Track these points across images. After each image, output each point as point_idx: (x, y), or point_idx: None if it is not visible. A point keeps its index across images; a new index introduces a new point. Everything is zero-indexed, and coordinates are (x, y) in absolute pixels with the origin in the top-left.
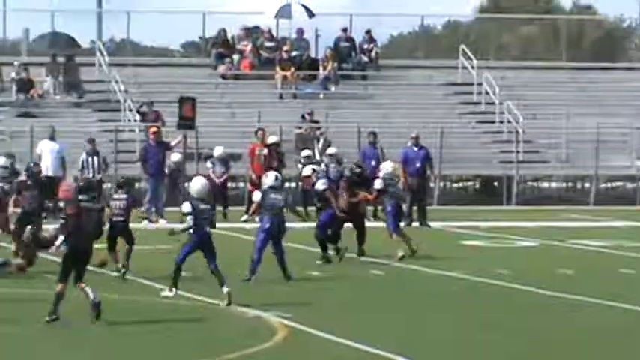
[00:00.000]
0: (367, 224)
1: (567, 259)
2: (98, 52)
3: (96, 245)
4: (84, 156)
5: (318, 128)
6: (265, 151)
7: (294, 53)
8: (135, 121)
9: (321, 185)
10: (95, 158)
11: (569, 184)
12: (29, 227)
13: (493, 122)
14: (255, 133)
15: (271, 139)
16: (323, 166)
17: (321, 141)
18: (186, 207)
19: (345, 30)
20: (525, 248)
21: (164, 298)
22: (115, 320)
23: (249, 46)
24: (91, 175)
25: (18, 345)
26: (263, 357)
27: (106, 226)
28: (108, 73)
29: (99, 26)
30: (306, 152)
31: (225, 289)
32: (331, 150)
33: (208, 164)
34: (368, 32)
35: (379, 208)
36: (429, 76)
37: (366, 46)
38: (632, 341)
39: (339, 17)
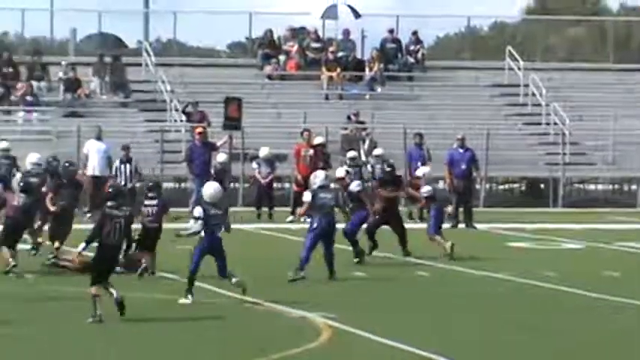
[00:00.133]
0: (414, 225)
1: (613, 261)
2: (145, 52)
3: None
4: (117, 163)
5: (364, 129)
6: (311, 151)
7: (340, 54)
8: (181, 121)
9: (355, 187)
10: (128, 165)
11: (616, 186)
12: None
13: (539, 124)
14: (301, 133)
15: (317, 140)
16: (369, 167)
17: (367, 142)
18: (198, 211)
19: (391, 31)
20: (571, 250)
21: (182, 305)
22: (161, 320)
23: (296, 47)
24: (122, 183)
25: (55, 346)
26: (308, 357)
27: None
28: (154, 73)
29: (145, 26)
30: (351, 153)
31: (234, 280)
32: (377, 151)
33: (254, 165)
34: (414, 33)
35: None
36: (476, 78)
37: (412, 47)
38: None
39: (385, 18)
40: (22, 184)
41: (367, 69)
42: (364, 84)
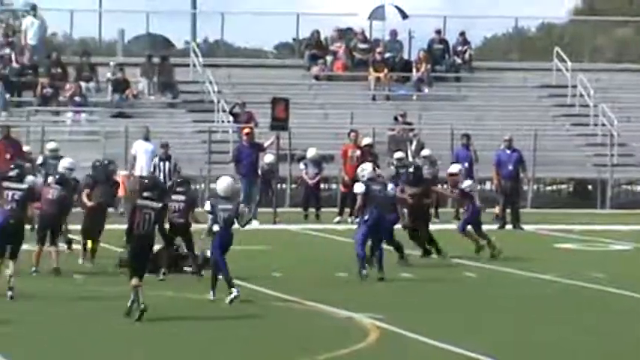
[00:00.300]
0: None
1: None
2: (192, 52)
3: None
4: (156, 160)
5: (411, 130)
6: (358, 152)
7: (387, 55)
8: (228, 121)
9: (390, 190)
10: (167, 163)
11: None
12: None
13: (587, 125)
14: (348, 134)
15: (365, 141)
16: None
17: (414, 143)
18: (208, 206)
19: (438, 32)
20: (619, 252)
21: (229, 304)
22: (207, 319)
23: (343, 48)
24: (161, 179)
25: (99, 341)
26: (355, 358)
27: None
28: (202, 73)
29: (193, 27)
30: (398, 154)
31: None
32: (425, 152)
33: (301, 165)
34: (462, 34)
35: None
36: (523, 79)
37: (459, 48)
38: None
39: (432, 19)
40: (57, 176)
41: (414, 70)
42: (411, 85)
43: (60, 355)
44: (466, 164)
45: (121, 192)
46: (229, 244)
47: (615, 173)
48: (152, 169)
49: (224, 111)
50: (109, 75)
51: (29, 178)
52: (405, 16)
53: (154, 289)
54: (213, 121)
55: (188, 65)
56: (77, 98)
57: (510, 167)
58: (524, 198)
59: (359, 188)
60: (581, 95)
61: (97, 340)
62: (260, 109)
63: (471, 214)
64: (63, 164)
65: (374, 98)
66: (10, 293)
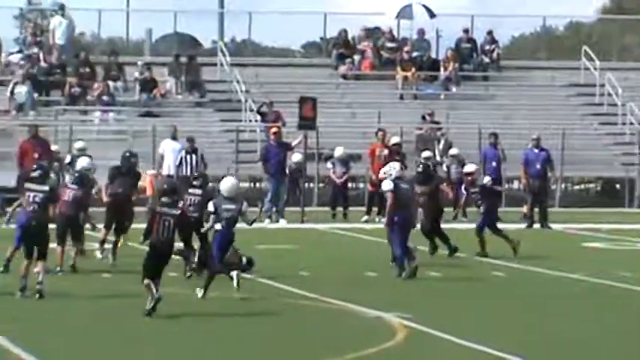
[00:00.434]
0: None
1: None
2: (220, 52)
3: None
4: (183, 153)
5: (439, 129)
6: (386, 151)
7: (415, 54)
8: (256, 121)
9: (387, 186)
10: (194, 156)
11: None
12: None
13: (615, 124)
14: (376, 133)
15: (393, 140)
16: (444, 167)
17: (442, 142)
18: (211, 206)
19: (466, 31)
20: None
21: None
22: (237, 319)
23: (370, 47)
24: (188, 173)
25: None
26: (383, 357)
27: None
28: (229, 73)
29: (221, 26)
30: (426, 153)
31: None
32: (453, 151)
33: (329, 164)
34: (489, 33)
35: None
36: (551, 78)
37: (487, 47)
38: None
39: (460, 18)
40: (75, 176)
41: (442, 69)
42: (439, 84)
43: (85, 352)
44: (494, 163)
45: (149, 191)
46: (230, 244)
47: None
48: (178, 163)
49: (251, 110)
50: (136, 74)
51: (52, 178)
52: (432, 15)
53: (179, 287)
54: (240, 121)
55: (215, 64)
56: (105, 97)
57: (538, 166)
58: (552, 197)
59: (387, 185)
60: (609, 94)
61: (120, 336)
62: (287, 108)
63: (487, 212)
64: (81, 164)
65: (401, 97)
66: (38, 291)
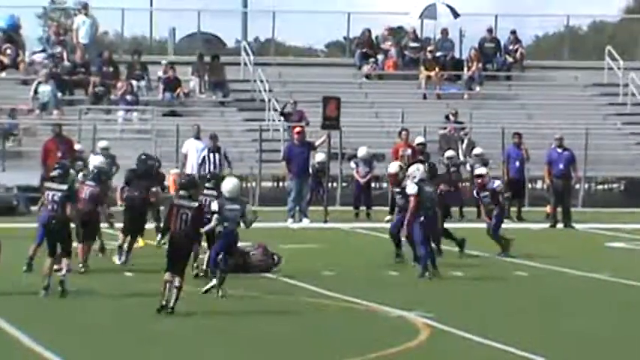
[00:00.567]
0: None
1: None
2: (243, 51)
3: None
4: (205, 152)
5: (462, 129)
6: (409, 151)
7: (438, 53)
8: (279, 120)
9: (411, 189)
10: (217, 155)
11: None
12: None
13: (639, 124)
14: (399, 133)
15: (418, 140)
16: (467, 166)
17: (465, 142)
18: (215, 206)
19: (490, 30)
20: None
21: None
22: (258, 318)
23: (394, 46)
24: (211, 171)
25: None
26: (406, 357)
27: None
28: (252, 72)
29: (244, 26)
30: (449, 153)
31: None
32: (477, 150)
33: (352, 164)
34: (513, 33)
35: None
36: (574, 77)
37: (510, 47)
38: None
39: (484, 17)
40: (94, 170)
41: (465, 68)
42: (462, 83)
43: (103, 351)
44: (517, 163)
45: (172, 191)
46: (234, 245)
47: None
48: (201, 162)
49: (275, 110)
50: (160, 73)
51: (72, 176)
52: (456, 14)
53: (197, 285)
54: (263, 120)
55: (239, 64)
56: (128, 97)
57: (561, 166)
58: (575, 197)
59: (411, 189)
60: (633, 94)
61: (139, 335)
62: (310, 107)
63: (499, 215)
64: (94, 162)
65: (425, 97)
66: (61, 289)
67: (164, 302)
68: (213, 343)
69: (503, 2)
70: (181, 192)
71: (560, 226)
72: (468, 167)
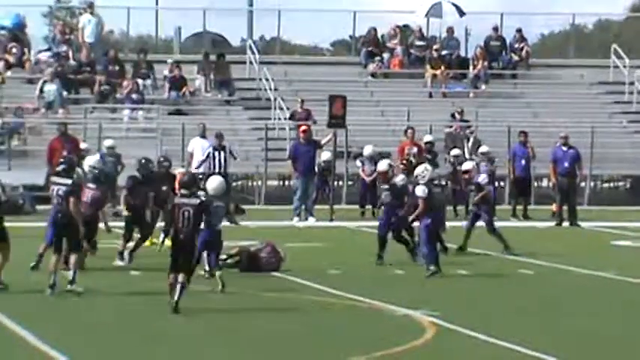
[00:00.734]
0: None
1: None
2: (249, 50)
3: None
4: (211, 149)
5: (468, 127)
6: (415, 149)
7: (444, 52)
8: (285, 119)
9: (400, 181)
10: (222, 153)
11: None
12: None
13: None
14: (405, 131)
15: (426, 138)
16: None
17: (471, 140)
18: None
19: (495, 29)
20: None
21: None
22: (263, 316)
23: (400, 45)
24: (217, 170)
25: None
26: (412, 355)
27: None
28: (258, 71)
29: (250, 24)
30: (455, 151)
31: (218, 273)
32: (483, 148)
33: (358, 162)
34: (519, 31)
35: (528, 207)
36: (580, 76)
37: (516, 45)
38: None
39: (489, 16)
40: (94, 172)
41: (471, 67)
42: (468, 82)
43: (108, 349)
44: (523, 161)
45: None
46: (218, 241)
47: None
48: (205, 157)
49: (280, 108)
50: (165, 72)
51: (77, 172)
52: (462, 13)
53: (203, 284)
54: (269, 119)
55: (244, 62)
56: (134, 95)
57: (567, 164)
58: (581, 195)
59: (421, 192)
60: (639, 92)
61: (144, 334)
62: (316, 106)
63: (488, 211)
64: (87, 163)
65: (430, 95)
66: (68, 286)
67: (173, 303)
68: (218, 342)
69: (508, 1)
70: (182, 190)
71: (565, 224)
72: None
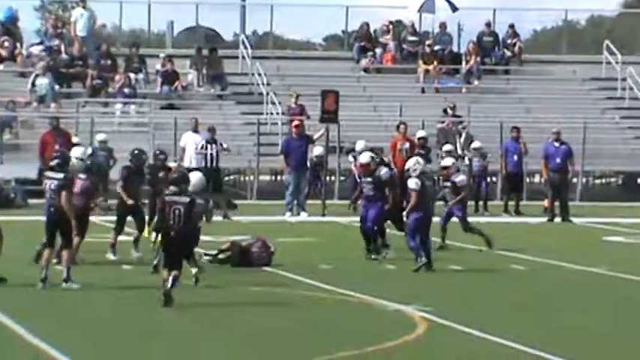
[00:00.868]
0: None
1: None
2: (241, 44)
3: None
4: (203, 142)
5: (461, 122)
6: (407, 144)
7: (436, 47)
8: (277, 113)
9: (384, 174)
10: (214, 146)
11: None
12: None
13: (637, 118)
14: (397, 127)
15: (420, 134)
16: (466, 160)
17: (463, 135)
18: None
19: (488, 24)
20: None
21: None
22: (256, 311)
23: (392, 40)
24: (209, 164)
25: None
26: (403, 351)
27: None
28: (251, 66)
29: (242, 19)
30: (447, 146)
31: (194, 270)
32: (476, 144)
33: (350, 158)
34: (511, 27)
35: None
36: (573, 71)
37: (509, 41)
38: None
39: (482, 11)
40: (87, 163)
41: (464, 62)
42: (460, 77)
43: (102, 344)
44: (515, 157)
45: None
46: (196, 238)
47: None
48: (199, 149)
49: (273, 103)
50: (158, 67)
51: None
52: (454, 8)
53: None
54: (261, 113)
55: (237, 57)
56: (126, 90)
57: (559, 160)
58: (573, 191)
59: (414, 185)
60: (631, 88)
61: (138, 329)
62: (308, 101)
63: (461, 209)
64: (74, 154)
65: (423, 91)
66: (64, 285)
67: (163, 298)
68: (212, 336)
69: None
70: (172, 187)
71: (557, 220)
72: (466, 161)
